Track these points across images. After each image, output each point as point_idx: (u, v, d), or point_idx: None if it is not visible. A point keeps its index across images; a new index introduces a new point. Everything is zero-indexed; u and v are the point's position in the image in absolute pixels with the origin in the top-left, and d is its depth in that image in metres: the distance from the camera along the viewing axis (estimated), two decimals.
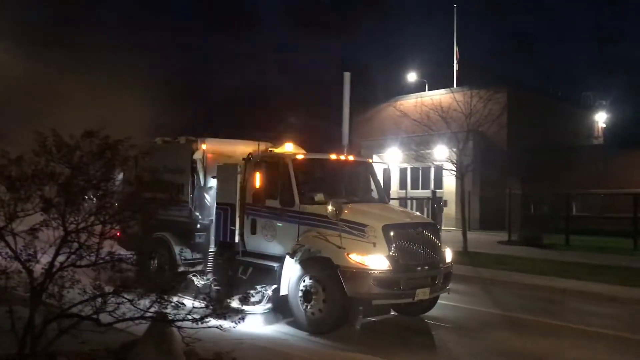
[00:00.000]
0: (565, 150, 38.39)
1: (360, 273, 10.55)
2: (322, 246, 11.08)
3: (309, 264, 11.24)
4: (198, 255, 13.93)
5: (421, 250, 11.32)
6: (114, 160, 7.49)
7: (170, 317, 7.41)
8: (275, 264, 11.86)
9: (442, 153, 33.36)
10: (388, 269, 10.64)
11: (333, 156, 13.17)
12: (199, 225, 13.90)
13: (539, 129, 38.28)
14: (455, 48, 43.25)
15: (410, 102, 39.71)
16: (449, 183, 36.12)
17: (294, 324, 11.40)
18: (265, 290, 11.92)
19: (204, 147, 13.97)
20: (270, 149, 13.82)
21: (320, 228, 11.32)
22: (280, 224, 12.05)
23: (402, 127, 34.93)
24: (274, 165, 12.36)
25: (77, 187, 7.33)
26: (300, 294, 11.19)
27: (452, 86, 38.45)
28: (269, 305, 11.83)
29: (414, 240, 11.27)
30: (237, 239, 12.81)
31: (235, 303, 11.12)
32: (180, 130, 15.87)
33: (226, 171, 13.22)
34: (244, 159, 12.98)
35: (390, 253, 10.74)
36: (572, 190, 34.18)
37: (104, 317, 7.34)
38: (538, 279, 17.80)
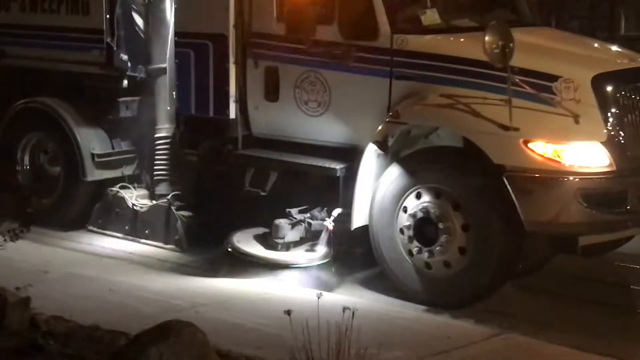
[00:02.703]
0: None
1: (554, 181, 6.81)
2: (459, 124, 7.10)
3: (424, 163, 7.30)
4: (125, 146, 9.46)
5: None
6: None
7: None
8: (336, 165, 7.62)
9: None
10: (609, 169, 6.89)
11: None
12: (126, 82, 9.14)
13: None
14: None
15: None
16: None
17: (384, 286, 7.44)
18: (315, 218, 7.74)
19: None
20: None
21: (445, 85, 7.20)
22: (342, 78, 7.68)
23: None
24: None
25: None
26: (404, 225, 7.16)
27: None
28: (325, 249, 7.53)
29: None
30: (232, 111, 8.22)
31: (246, 244, 7.94)
32: None
33: None
34: None
35: (610, 134, 6.92)
36: None
37: None
38: None
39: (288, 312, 4.60)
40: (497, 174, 6.76)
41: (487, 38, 6.47)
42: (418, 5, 7.79)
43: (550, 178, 6.80)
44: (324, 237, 7.53)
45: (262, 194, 7.93)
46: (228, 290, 7.63)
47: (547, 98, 6.86)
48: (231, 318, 6.57)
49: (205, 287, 7.74)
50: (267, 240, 7.85)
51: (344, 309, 4.44)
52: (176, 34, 8.55)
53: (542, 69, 7.03)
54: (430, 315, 6.90)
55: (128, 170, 9.45)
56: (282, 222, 7.70)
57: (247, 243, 7.86)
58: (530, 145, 6.80)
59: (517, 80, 6.72)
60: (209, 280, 7.91)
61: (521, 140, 6.76)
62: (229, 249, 7.81)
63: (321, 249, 7.57)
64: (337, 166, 7.53)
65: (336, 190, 7.62)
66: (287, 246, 7.72)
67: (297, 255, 7.71)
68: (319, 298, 4.81)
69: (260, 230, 8.01)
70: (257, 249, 7.80)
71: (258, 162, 8.16)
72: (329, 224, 7.46)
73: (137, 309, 6.80)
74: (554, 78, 6.99)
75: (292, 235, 7.71)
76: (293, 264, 7.66)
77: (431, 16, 7.57)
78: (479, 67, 6.96)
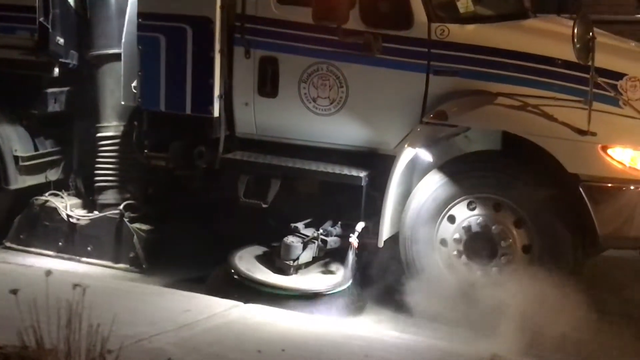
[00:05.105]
0: None
1: (636, 191, 6.02)
2: (526, 127, 6.09)
3: (477, 172, 6.28)
4: (49, 146, 7.86)
5: None
6: None
7: None
8: (357, 172, 6.42)
9: None
10: None
11: None
12: (57, 70, 7.42)
13: None
14: None
15: None
16: None
17: (419, 315, 6.16)
18: (329, 234, 6.39)
19: None
20: None
21: (498, 82, 6.20)
22: (364, 72, 6.45)
23: None
24: None
25: None
26: (453, 238, 6.29)
27: None
28: (348, 271, 6.26)
29: None
30: (216, 108, 6.72)
31: (253, 270, 6.49)
32: None
33: None
34: None
35: None
36: None
37: None
38: None
39: (14, 292, 4.16)
40: (569, 185, 5.85)
41: (576, 31, 5.50)
42: None
43: (632, 188, 6.02)
44: (350, 255, 6.18)
45: (264, 206, 6.45)
46: None
47: (618, 98, 5.99)
48: None
49: None
50: (273, 262, 6.33)
51: (75, 285, 3.96)
52: (140, 15, 6.72)
53: (605, 65, 6.04)
54: (175, 290, 6.34)
55: (53, 175, 7.81)
56: (294, 240, 6.24)
57: (253, 267, 6.33)
58: (609, 151, 5.97)
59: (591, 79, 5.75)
60: None
61: (599, 146, 5.92)
62: (234, 276, 6.25)
63: (341, 270, 6.22)
64: (361, 174, 6.20)
65: (359, 202, 6.30)
66: (298, 268, 6.30)
67: (316, 281, 6.28)
68: (47, 276, 4.24)
69: (259, 249, 6.54)
70: (267, 275, 6.28)
71: (257, 169, 6.66)
72: (354, 240, 6.11)
73: None
74: (618, 76, 6.16)
75: (305, 255, 6.29)
76: (314, 292, 6.19)
77: (466, 3, 6.46)
78: (542, 63, 6.03)
